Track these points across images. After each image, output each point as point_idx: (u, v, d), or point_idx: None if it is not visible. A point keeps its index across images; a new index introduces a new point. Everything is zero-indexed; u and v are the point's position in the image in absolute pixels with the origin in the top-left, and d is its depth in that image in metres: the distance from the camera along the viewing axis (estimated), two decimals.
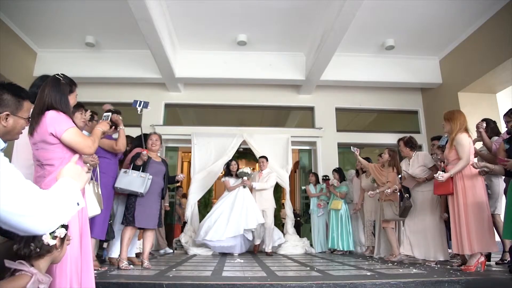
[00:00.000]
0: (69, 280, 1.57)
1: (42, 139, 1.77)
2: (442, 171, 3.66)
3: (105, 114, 2.80)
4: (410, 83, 7.12)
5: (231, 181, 5.50)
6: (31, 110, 1.66)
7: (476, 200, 3.19)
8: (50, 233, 1.25)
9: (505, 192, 3.31)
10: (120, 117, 3.16)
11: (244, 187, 5.40)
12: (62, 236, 1.31)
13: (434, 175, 3.30)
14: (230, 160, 5.77)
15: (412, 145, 4.21)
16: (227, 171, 5.62)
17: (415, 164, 4.07)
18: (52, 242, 1.26)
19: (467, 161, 3.22)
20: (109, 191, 3.43)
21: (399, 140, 4.32)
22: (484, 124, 3.70)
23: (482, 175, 3.26)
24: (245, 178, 5.40)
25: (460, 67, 6.33)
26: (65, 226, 1.32)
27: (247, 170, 5.47)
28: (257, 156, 6.25)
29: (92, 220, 3.15)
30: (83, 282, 1.63)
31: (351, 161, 7.13)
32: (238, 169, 5.57)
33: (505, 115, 3.40)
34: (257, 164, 5.96)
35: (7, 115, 1.46)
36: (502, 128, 4.05)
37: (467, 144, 3.26)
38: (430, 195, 3.94)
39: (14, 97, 1.49)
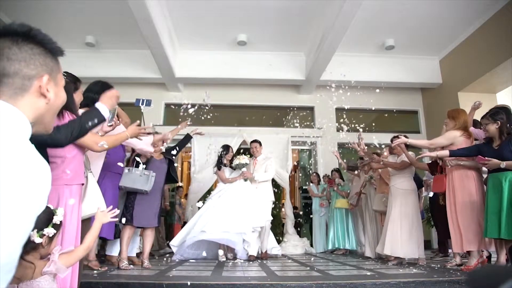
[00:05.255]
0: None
1: None
2: (441, 170, 3.72)
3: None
4: (410, 83, 7.12)
5: (226, 172, 4.70)
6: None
7: (467, 199, 3.24)
8: (37, 232, 1.26)
9: None
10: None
11: (245, 180, 4.60)
12: (50, 236, 1.31)
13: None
14: (226, 147, 4.84)
15: (406, 144, 4.23)
16: (220, 161, 4.73)
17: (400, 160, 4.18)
18: (38, 240, 1.27)
19: (431, 144, 3.51)
20: (116, 189, 3.43)
21: (394, 137, 4.30)
22: (478, 103, 3.65)
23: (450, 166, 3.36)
24: (244, 169, 4.61)
25: (460, 67, 6.33)
26: (56, 226, 1.32)
27: (245, 160, 4.62)
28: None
29: None
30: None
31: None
32: (233, 158, 4.75)
33: (484, 117, 3.13)
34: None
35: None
36: None
37: (449, 138, 3.37)
38: (409, 194, 3.98)
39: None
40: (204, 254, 4.43)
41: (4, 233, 0.57)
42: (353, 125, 5.08)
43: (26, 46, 0.74)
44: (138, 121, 2.46)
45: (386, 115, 7.51)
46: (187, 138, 4.49)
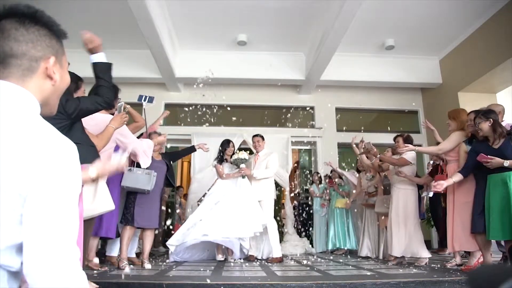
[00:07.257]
0: None
1: None
2: (441, 170, 3.74)
3: (118, 104, 2.69)
4: (410, 83, 7.12)
5: (226, 168, 4.48)
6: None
7: (464, 201, 3.24)
8: None
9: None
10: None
11: (243, 177, 4.34)
12: None
13: (434, 187, 3.27)
14: (227, 142, 4.62)
15: (410, 142, 4.23)
16: (221, 156, 4.53)
17: None
18: None
19: (439, 150, 3.49)
20: (118, 188, 3.43)
21: (397, 136, 4.29)
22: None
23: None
24: (242, 165, 4.34)
25: (460, 67, 6.33)
26: None
27: (244, 155, 4.35)
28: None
29: (101, 218, 3.14)
30: None
31: (351, 161, 7.14)
32: (234, 153, 4.51)
33: (477, 116, 3.08)
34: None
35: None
36: None
37: (454, 141, 3.37)
38: (410, 193, 3.97)
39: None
40: (202, 256, 4.40)
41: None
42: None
43: (33, 27, 0.74)
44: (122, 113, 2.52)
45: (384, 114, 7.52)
46: (191, 149, 4.49)
